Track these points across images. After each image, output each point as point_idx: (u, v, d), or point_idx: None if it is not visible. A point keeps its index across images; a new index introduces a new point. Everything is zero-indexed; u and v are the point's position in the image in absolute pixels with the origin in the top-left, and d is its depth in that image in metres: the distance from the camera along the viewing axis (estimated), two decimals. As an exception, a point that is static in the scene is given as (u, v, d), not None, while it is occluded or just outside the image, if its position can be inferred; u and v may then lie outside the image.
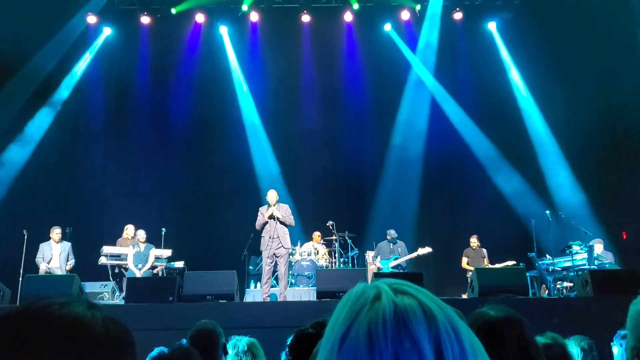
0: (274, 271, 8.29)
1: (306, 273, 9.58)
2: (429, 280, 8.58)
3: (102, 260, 9.56)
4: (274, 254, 8.00)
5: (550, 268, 8.99)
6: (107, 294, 8.89)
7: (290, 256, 8.87)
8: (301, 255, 9.96)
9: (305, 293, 8.96)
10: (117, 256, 9.62)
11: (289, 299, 8.21)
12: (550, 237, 9.15)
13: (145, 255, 9.39)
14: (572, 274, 8.65)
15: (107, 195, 11.77)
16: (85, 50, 12.47)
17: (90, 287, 8.79)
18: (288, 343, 2.36)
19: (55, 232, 9.13)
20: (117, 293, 9.03)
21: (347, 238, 10.32)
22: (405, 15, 12.65)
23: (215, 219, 11.61)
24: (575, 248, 8.75)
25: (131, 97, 12.58)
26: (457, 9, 12.49)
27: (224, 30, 12.83)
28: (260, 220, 8.14)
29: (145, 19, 12.50)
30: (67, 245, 9.28)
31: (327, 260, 10.28)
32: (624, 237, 10.60)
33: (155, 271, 9.65)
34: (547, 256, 9.22)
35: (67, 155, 12.16)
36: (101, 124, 12.37)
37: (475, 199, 11.97)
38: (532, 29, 11.95)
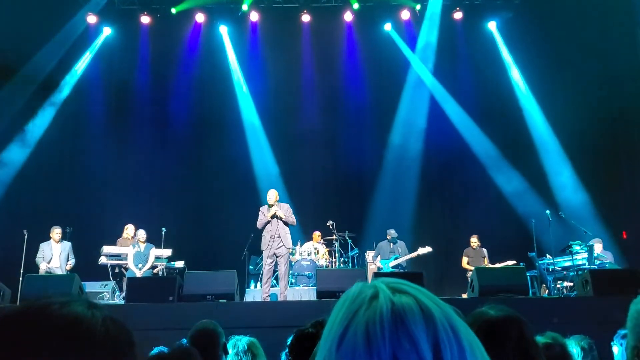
0: (274, 271, 8.29)
1: (306, 273, 9.58)
2: (429, 280, 8.57)
3: (102, 260, 9.56)
4: (275, 253, 7.99)
5: (551, 268, 8.99)
6: (107, 293, 8.89)
7: (291, 256, 8.86)
8: (301, 255, 9.97)
9: (306, 293, 8.96)
10: (118, 256, 9.63)
11: (289, 298, 8.21)
12: (551, 236, 9.15)
13: (146, 255, 9.39)
14: (572, 273, 8.65)
15: (107, 195, 11.77)
16: (85, 50, 12.47)
17: (91, 286, 8.79)
18: (288, 343, 2.36)
19: (56, 232, 9.13)
20: (117, 293, 9.03)
21: (347, 238, 10.33)
22: (405, 15, 12.65)
23: (215, 219, 11.62)
24: (576, 248, 8.75)
25: (131, 96, 12.58)
26: (457, 8, 12.50)
27: (224, 30, 12.84)
28: (262, 219, 8.13)
29: (145, 19, 12.50)
30: (67, 245, 9.28)
31: (327, 260, 10.28)
32: (624, 236, 10.60)
33: (155, 271, 9.66)
34: (548, 256, 9.22)
35: (67, 155, 12.16)
36: (101, 123, 12.36)
37: (475, 199, 11.97)
38: (532, 29, 11.95)
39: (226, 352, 2.99)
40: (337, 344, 0.66)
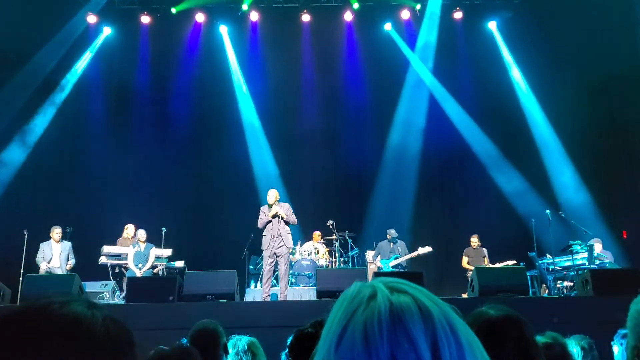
0: (274, 270, 8.29)
1: (306, 272, 9.58)
2: (429, 280, 8.58)
3: (103, 259, 9.56)
4: (275, 253, 7.99)
5: (551, 267, 8.99)
6: (107, 293, 8.89)
7: (291, 255, 8.86)
8: (301, 255, 9.97)
9: (306, 292, 8.96)
10: (118, 256, 9.63)
11: (289, 298, 8.21)
12: (551, 236, 9.15)
13: (146, 255, 9.40)
14: (572, 273, 8.65)
15: (107, 195, 11.77)
16: (85, 49, 12.47)
17: (91, 286, 8.78)
18: (288, 343, 2.36)
19: (56, 232, 9.14)
20: (118, 292, 9.03)
21: (347, 237, 10.33)
22: (405, 14, 12.65)
23: (215, 218, 11.62)
24: (576, 247, 8.75)
25: (131, 96, 12.58)
26: (457, 8, 12.49)
27: (224, 29, 12.83)
28: (263, 219, 8.13)
29: (145, 19, 12.50)
30: (67, 244, 9.28)
31: (327, 260, 10.28)
32: (624, 236, 10.60)
33: (155, 271, 9.66)
34: (548, 255, 9.22)
35: (67, 155, 12.16)
36: (101, 123, 12.37)
37: (475, 199, 11.97)
38: (532, 29, 11.95)
39: (227, 352, 2.99)
40: (336, 344, 0.66)
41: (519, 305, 5.72)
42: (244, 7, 12.43)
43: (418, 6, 12.54)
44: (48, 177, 11.40)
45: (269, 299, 7.91)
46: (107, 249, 9.61)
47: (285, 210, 8.13)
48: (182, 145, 12.46)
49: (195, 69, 12.62)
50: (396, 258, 9.49)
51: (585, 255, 8.59)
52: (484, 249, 10.12)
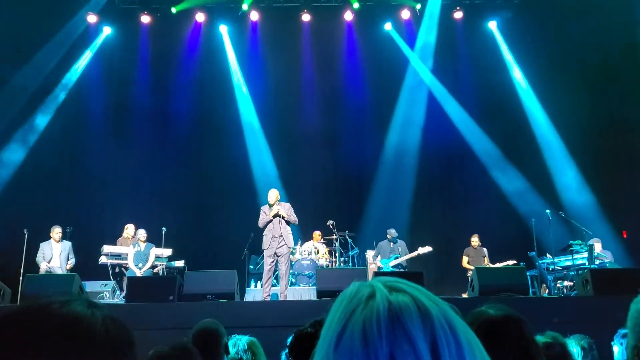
0: (275, 270, 8.29)
1: (306, 272, 9.58)
2: (429, 280, 8.56)
3: (103, 259, 9.56)
4: (276, 252, 7.99)
5: (551, 267, 8.99)
6: (107, 293, 8.89)
7: (291, 255, 8.86)
8: (301, 255, 9.97)
9: (306, 292, 8.96)
10: (118, 255, 9.63)
11: (290, 298, 8.21)
12: (551, 236, 9.16)
13: (146, 255, 9.40)
14: (572, 273, 8.65)
15: (107, 195, 11.77)
16: (85, 49, 12.47)
17: (91, 286, 8.78)
18: (288, 344, 2.36)
19: (56, 232, 9.14)
20: (118, 292, 9.03)
21: (347, 237, 10.33)
22: (405, 14, 12.65)
23: (215, 218, 11.62)
24: (576, 247, 8.75)
25: (131, 96, 12.57)
26: (457, 8, 12.49)
27: (224, 29, 12.83)
28: (264, 218, 8.12)
29: (145, 18, 12.50)
30: (67, 244, 9.28)
31: (328, 260, 10.28)
32: (624, 236, 10.60)
33: (155, 270, 9.66)
34: (548, 255, 9.22)
35: (67, 155, 12.16)
36: (101, 123, 12.37)
37: (475, 198, 11.97)
38: (532, 28, 11.95)
39: (228, 352, 2.99)
40: (335, 344, 0.66)
41: (519, 305, 5.72)
42: (244, 6, 12.43)
43: (418, 6, 12.53)
44: (48, 176, 11.40)
45: (269, 298, 7.91)
46: (107, 248, 9.61)
47: (286, 209, 8.13)
48: (182, 145, 12.45)
49: (195, 69, 12.62)
50: (396, 258, 9.49)
51: (586, 255, 8.59)
52: (484, 249, 10.12)
